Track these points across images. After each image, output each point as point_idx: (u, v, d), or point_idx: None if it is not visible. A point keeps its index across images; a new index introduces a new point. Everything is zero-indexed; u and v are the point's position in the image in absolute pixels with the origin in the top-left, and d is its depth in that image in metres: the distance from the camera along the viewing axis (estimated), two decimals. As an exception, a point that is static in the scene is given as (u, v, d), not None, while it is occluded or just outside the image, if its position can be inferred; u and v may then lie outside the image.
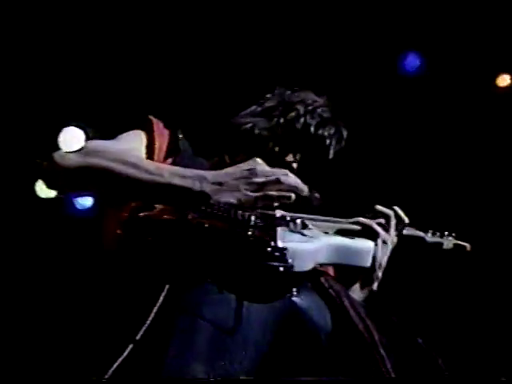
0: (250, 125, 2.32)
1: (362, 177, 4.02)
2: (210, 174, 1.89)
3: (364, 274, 2.26)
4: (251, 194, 1.86)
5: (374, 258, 2.24)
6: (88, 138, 2.98)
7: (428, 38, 4.07)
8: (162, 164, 2.01)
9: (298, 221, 1.91)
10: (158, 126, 2.17)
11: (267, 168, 1.92)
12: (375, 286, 2.31)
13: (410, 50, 4.15)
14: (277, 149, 2.29)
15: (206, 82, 3.84)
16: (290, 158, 2.30)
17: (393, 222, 2.32)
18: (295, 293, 1.89)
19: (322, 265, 2.02)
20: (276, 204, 1.90)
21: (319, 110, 2.35)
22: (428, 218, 2.67)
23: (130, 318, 1.71)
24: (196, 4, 3.78)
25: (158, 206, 1.83)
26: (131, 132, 2.15)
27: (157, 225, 1.73)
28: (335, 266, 2.19)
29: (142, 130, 2.15)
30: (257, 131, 2.31)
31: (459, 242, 2.63)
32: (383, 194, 3.52)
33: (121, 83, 3.71)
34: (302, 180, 2.24)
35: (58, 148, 2.21)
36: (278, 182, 1.88)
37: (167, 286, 1.68)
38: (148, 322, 1.66)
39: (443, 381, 1.88)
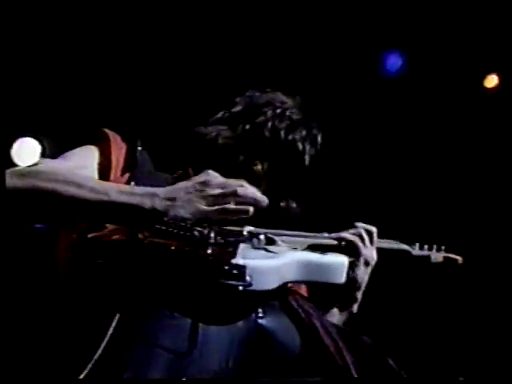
0: (213, 134, 2.30)
1: (341, 186, 4.00)
2: (161, 190, 1.87)
3: (342, 296, 2.26)
4: (206, 208, 1.85)
5: (354, 279, 2.25)
6: (44, 150, 2.96)
7: (410, 37, 4.07)
8: (109, 183, 2.00)
9: (262, 236, 1.88)
10: (114, 139, 2.15)
11: (222, 179, 1.90)
12: (355, 308, 2.31)
13: (392, 49, 4.17)
14: (242, 158, 2.27)
15: (166, 89, 3.80)
16: (258, 167, 2.28)
17: (366, 238, 2.32)
18: (261, 314, 1.88)
19: (291, 283, 1.99)
20: (234, 218, 1.89)
21: (288, 113, 2.33)
22: (415, 230, 2.68)
23: (77, 351, 1.69)
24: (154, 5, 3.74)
25: (109, 226, 1.81)
26: (82, 148, 2.13)
27: (105, 246, 1.72)
28: (307, 283, 2.19)
29: (95, 144, 2.14)
30: (221, 141, 2.28)
31: (450, 255, 2.66)
32: (363, 205, 3.53)
33: (78, 93, 3.68)
34: (274, 190, 2.24)
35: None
36: (234, 194, 1.87)
37: (117, 316, 1.66)
38: (96, 356, 1.63)
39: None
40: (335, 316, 2.29)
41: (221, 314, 1.73)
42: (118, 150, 2.13)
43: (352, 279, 2.24)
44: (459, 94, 4.16)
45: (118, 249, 1.71)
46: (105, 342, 1.64)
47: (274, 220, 2.04)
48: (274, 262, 1.86)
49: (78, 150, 2.13)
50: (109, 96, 3.69)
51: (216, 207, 1.85)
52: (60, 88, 3.66)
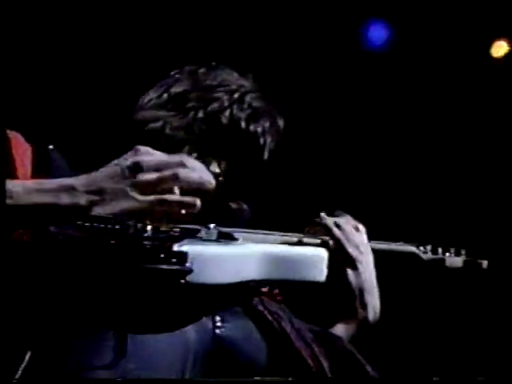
0: (159, 123, 2.16)
1: (325, 181, 3.89)
2: (81, 181, 1.71)
3: (344, 306, 2.21)
4: (143, 198, 1.70)
5: (350, 285, 2.19)
6: None
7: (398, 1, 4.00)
8: (13, 181, 1.82)
9: (212, 225, 1.77)
10: (16, 139, 1.99)
11: (157, 158, 1.74)
12: (370, 315, 2.23)
13: (375, 19, 4.09)
14: (195, 155, 2.13)
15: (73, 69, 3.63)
16: (214, 166, 2.16)
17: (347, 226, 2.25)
18: (219, 322, 1.83)
19: (258, 283, 1.88)
20: (177, 211, 1.74)
21: (248, 98, 2.22)
22: (425, 230, 2.60)
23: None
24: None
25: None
26: None
27: (8, 250, 1.60)
28: (276, 283, 2.08)
29: None
30: (168, 131, 2.16)
31: (471, 259, 2.60)
32: (355, 204, 3.45)
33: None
34: (230, 192, 2.17)
35: None
36: (174, 178, 1.72)
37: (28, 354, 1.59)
38: None
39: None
40: (341, 331, 2.21)
41: (162, 318, 1.62)
42: (22, 154, 1.97)
43: (346, 286, 2.20)
44: (460, 67, 4.04)
45: (24, 250, 1.60)
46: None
47: (222, 222, 1.91)
48: (228, 249, 1.75)
49: None
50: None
51: (153, 197, 1.71)
52: None
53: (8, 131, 2.01)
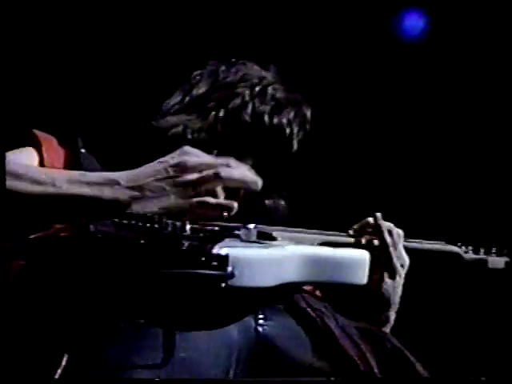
0: (180, 128, 2.16)
1: (355, 175, 3.83)
2: (124, 176, 1.79)
3: (370, 315, 2.18)
4: (183, 199, 1.78)
5: (383, 295, 2.17)
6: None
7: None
8: (57, 170, 1.91)
9: (252, 225, 1.78)
10: (48, 143, 2.05)
11: (201, 159, 1.83)
12: (387, 330, 2.21)
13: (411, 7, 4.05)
14: (215, 152, 2.12)
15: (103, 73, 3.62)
16: None
17: (396, 235, 2.21)
18: (261, 320, 1.84)
19: (295, 285, 1.90)
20: (214, 214, 1.83)
21: (270, 90, 2.23)
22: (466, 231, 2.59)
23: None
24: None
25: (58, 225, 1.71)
26: (18, 150, 2.02)
27: (48, 245, 1.63)
28: (317, 285, 2.10)
29: (32, 146, 2.05)
30: (190, 136, 2.16)
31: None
32: (393, 199, 3.44)
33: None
34: (263, 189, 2.15)
35: None
36: (216, 177, 1.81)
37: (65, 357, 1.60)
38: None
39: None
40: None
41: (202, 318, 1.65)
42: (54, 157, 2.03)
43: (379, 294, 2.18)
44: (498, 64, 3.98)
45: (63, 246, 1.62)
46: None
47: (259, 221, 1.92)
48: (268, 251, 1.76)
49: (13, 152, 2.00)
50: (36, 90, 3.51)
51: (193, 199, 1.79)
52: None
53: (40, 134, 2.08)
